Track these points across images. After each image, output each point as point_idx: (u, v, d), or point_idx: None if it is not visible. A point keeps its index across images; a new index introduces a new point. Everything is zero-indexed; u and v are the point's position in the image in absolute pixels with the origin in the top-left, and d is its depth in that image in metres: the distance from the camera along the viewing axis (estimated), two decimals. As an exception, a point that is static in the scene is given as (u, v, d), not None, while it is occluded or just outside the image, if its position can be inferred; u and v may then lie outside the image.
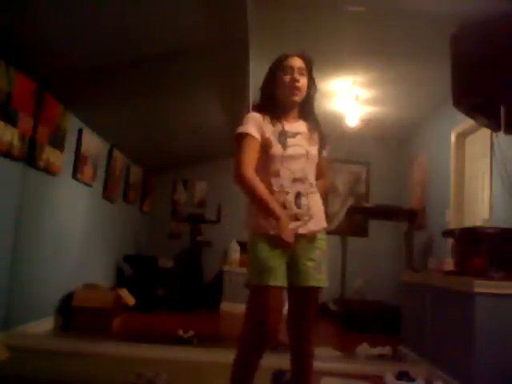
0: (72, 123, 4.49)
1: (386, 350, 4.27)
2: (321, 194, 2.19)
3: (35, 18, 2.97)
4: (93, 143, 5.04)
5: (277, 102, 2.14)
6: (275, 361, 3.52)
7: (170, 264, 6.56)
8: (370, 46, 4.48)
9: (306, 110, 2.22)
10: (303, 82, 2.14)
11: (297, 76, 2.12)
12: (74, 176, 4.70)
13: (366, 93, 5.61)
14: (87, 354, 3.44)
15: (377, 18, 3.94)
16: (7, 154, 3.44)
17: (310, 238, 2.11)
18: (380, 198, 7.03)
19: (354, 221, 6.72)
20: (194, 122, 5.52)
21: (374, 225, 7.44)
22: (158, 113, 5.03)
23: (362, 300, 6.59)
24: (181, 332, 4.14)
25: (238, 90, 4.61)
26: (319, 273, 2.12)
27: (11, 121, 3.42)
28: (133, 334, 4.44)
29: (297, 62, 2.14)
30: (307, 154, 2.11)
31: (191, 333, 4.15)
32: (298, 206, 2.06)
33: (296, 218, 2.05)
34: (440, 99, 5.27)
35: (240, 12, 3.36)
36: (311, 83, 2.21)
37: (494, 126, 3.59)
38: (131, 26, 3.31)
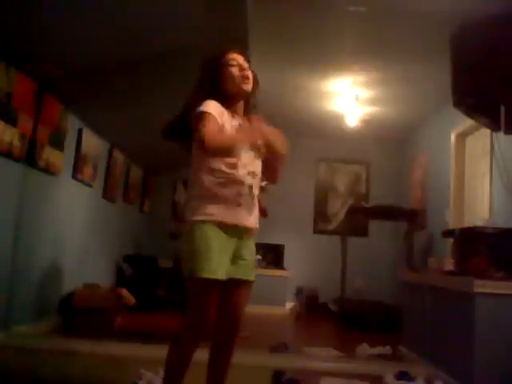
0: (72, 123, 4.49)
1: (386, 349, 4.27)
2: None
3: (35, 18, 2.97)
4: (93, 143, 5.04)
5: (225, 98, 2.07)
6: (275, 361, 3.53)
7: (169, 264, 6.55)
8: (370, 46, 4.48)
9: (249, 106, 2.17)
10: (250, 73, 2.12)
11: (244, 66, 2.10)
12: (74, 176, 4.70)
13: (366, 93, 5.61)
14: (87, 353, 3.44)
15: (377, 18, 3.94)
16: (7, 154, 3.44)
17: (249, 232, 2.11)
18: (380, 198, 7.02)
19: (354, 221, 6.72)
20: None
21: (374, 225, 7.44)
22: (157, 113, 5.02)
23: (361, 300, 6.59)
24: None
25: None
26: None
27: (11, 121, 3.42)
28: (133, 334, 4.43)
29: (239, 58, 2.12)
30: (258, 149, 2.09)
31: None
32: (253, 197, 2.06)
33: (247, 208, 2.05)
34: (440, 99, 5.27)
35: (240, 12, 3.36)
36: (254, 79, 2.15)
37: (494, 126, 3.59)
38: (131, 26, 3.31)
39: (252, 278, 2.11)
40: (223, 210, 1.99)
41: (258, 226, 2.14)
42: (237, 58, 2.11)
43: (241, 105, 2.13)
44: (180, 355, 2.07)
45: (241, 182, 2.02)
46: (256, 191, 2.09)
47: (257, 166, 2.11)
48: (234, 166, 2.01)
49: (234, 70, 2.08)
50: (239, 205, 2.02)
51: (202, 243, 1.95)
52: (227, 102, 2.07)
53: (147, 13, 3.20)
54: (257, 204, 2.12)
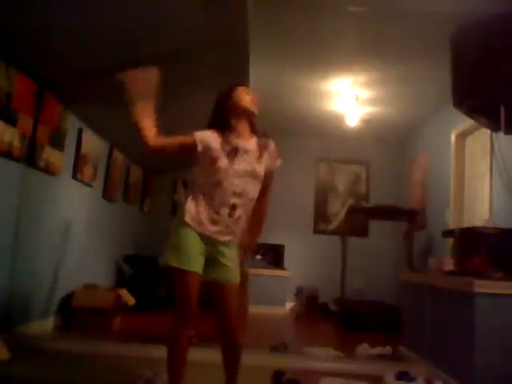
0: (72, 123, 4.49)
1: (386, 350, 4.27)
2: (258, 212, 2.41)
3: (35, 18, 2.97)
4: (93, 143, 5.04)
5: (231, 121, 2.35)
6: (275, 361, 3.53)
7: (169, 264, 6.56)
8: (370, 46, 4.48)
9: (255, 129, 2.41)
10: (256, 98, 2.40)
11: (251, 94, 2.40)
12: (74, 176, 4.70)
13: (366, 93, 5.61)
14: (87, 353, 3.44)
15: (377, 18, 3.94)
16: (7, 154, 3.44)
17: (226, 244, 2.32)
18: (380, 198, 7.03)
19: (354, 221, 6.72)
20: (194, 122, 5.50)
21: (374, 225, 7.44)
22: (157, 113, 5.02)
23: (361, 300, 6.59)
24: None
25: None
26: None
27: (11, 121, 3.42)
28: (133, 334, 4.44)
29: (246, 89, 2.43)
30: (253, 172, 2.29)
31: (191, 333, 4.14)
32: (231, 215, 2.25)
33: (225, 226, 2.25)
34: (440, 99, 5.27)
35: (240, 12, 3.36)
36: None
37: (494, 126, 3.59)
38: (132, 26, 3.31)
39: (233, 281, 2.30)
40: (201, 223, 2.22)
41: (236, 238, 2.33)
42: (245, 89, 2.41)
43: (245, 126, 2.36)
44: (171, 352, 2.28)
45: (222, 202, 2.23)
46: (239, 212, 2.26)
47: (248, 187, 2.28)
48: (217, 185, 2.24)
49: (245, 95, 2.38)
50: (215, 223, 2.23)
51: (180, 240, 2.22)
52: (235, 125, 2.33)
53: (147, 13, 3.20)
54: (240, 224, 2.30)
